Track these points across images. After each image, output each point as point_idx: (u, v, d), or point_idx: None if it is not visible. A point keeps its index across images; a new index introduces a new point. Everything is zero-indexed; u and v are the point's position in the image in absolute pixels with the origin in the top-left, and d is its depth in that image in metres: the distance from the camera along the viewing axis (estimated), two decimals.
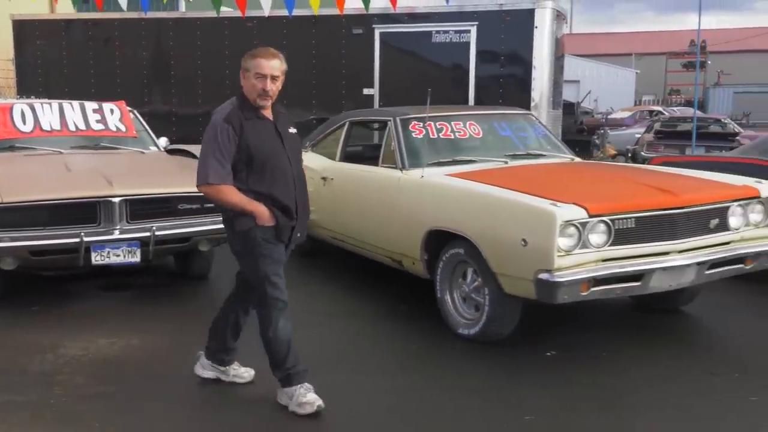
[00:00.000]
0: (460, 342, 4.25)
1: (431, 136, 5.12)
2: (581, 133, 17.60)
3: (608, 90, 33.30)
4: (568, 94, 24.33)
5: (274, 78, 3.23)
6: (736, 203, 4.15)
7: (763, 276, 5.31)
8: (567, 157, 5.44)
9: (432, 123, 5.15)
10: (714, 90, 34.52)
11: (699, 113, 20.37)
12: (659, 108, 23.61)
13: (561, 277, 3.66)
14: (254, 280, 3.31)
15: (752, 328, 4.55)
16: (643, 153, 11.84)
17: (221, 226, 5.08)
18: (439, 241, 4.47)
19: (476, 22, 8.68)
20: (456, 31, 8.74)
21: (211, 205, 5.06)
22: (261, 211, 3.20)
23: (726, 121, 13.80)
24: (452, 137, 5.20)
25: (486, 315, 4.15)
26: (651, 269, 3.86)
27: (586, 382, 3.72)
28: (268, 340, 3.34)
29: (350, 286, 5.59)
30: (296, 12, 8.92)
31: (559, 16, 8.96)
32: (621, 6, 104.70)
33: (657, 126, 13.51)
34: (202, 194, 4.97)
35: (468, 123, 5.30)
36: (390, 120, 5.26)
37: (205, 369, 3.67)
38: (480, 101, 8.59)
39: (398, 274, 5.11)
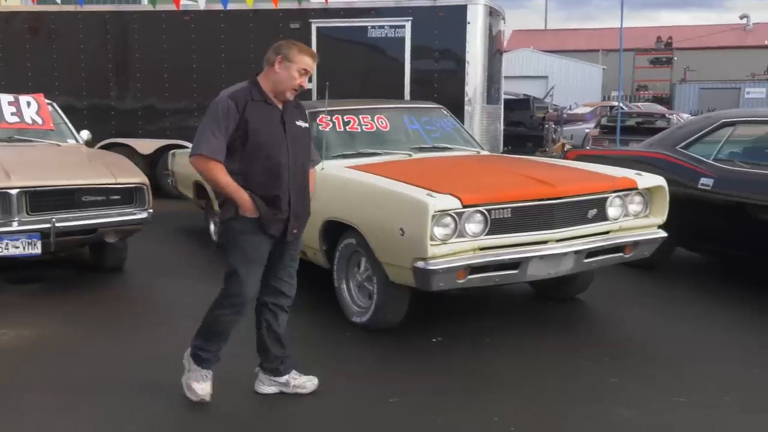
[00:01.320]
0: (351, 330, 4.36)
1: (337, 129, 5.21)
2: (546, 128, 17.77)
3: (576, 85, 33.67)
4: (536, 89, 24.61)
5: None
6: (614, 194, 4.28)
7: (660, 266, 5.51)
8: (474, 150, 5.55)
9: (339, 116, 5.24)
10: (680, 86, 35.05)
11: (662, 108, 20.68)
12: (620, 103, 23.88)
13: (435, 265, 3.76)
14: (225, 271, 3.28)
15: (634, 316, 4.70)
16: (588, 147, 12.10)
17: (127, 218, 5.22)
18: (335, 231, 4.56)
19: (411, 18, 8.76)
20: (391, 26, 8.81)
21: (117, 197, 5.18)
22: (244, 200, 3.13)
23: (670, 117, 14.07)
24: (359, 130, 5.29)
25: (375, 303, 4.26)
26: (528, 257, 3.98)
27: (459, 367, 3.84)
28: (207, 317, 3.33)
29: None
30: (234, 6, 8.96)
31: (493, 13, 9.06)
32: (596, 2, 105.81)
33: (603, 121, 13.76)
34: (106, 186, 5.13)
35: (376, 117, 5.39)
36: None
37: (264, 384, 3.50)
38: (415, 96, 8.66)
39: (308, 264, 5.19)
